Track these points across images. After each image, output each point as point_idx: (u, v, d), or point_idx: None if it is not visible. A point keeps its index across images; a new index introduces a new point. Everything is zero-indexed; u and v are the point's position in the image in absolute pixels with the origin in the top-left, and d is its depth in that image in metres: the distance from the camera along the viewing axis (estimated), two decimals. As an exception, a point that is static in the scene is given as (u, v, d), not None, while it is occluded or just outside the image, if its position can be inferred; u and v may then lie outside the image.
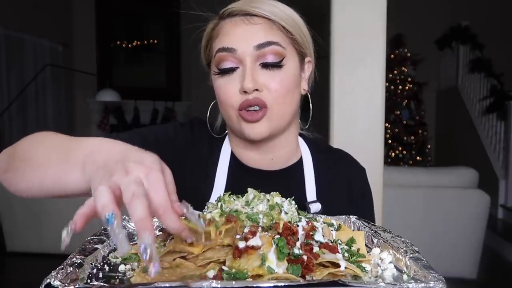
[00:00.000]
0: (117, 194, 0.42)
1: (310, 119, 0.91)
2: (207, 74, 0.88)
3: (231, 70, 0.78)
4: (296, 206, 0.61)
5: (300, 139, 0.94)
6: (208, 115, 0.89)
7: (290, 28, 0.79)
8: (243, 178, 0.84)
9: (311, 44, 0.86)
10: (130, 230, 0.72)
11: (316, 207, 0.83)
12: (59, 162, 0.55)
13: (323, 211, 0.83)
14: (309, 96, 0.89)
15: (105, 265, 0.56)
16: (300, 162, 0.91)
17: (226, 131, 0.91)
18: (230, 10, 0.79)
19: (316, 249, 0.53)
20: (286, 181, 0.88)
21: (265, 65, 0.77)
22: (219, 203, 0.61)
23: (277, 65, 0.77)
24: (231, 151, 0.89)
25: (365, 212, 0.92)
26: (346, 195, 0.92)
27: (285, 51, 0.78)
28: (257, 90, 0.76)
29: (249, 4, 0.78)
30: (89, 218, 0.43)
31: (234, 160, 0.88)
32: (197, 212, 0.49)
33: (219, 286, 0.41)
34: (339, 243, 0.60)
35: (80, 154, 0.53)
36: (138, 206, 0.40)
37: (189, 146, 0.88)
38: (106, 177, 0.44)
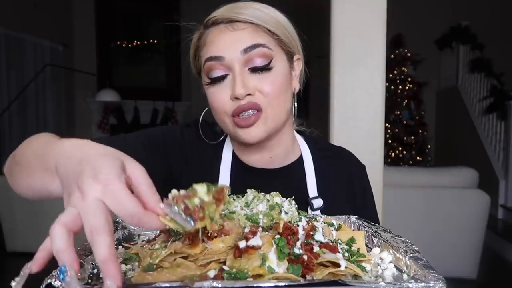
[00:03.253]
0: (77, 226, 0.40)
1: (295, 115, 0.91)
2: (200, 83, 0.88)
3: (221, 78, 0.79)
4: (296, 206, 0.61)
5: (300, 138, 0.95)
6: (200, 119, 0.89)
7: (275, 30, 0.80)
8: (245, 177, 0.86)
9: (298, 42, 0.86)
10: (131, 230, 0.72)
11: (318, 202, 0.84)
12: (40, 170, 0.55)
13: (324, 207, 0.84)
14: (295, 95, 0.89)
15: (106, 265, 0.55)
16: (300, 160, 0.92)
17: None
18: (214, 19, 0.80)
19: (316, 249, 0.53)
20: (287, 179, 0.89)
21: (254, 70, 0.78)
22: None
23: (266, 68, 0.78)
24: (233, 151, 0.91)
25: (367, 208, 0.94)
26: (347, 191, 0.93)
27: (272, 53, 0.79)
28: (249, 94, 0.77)
29: (232, 10, 0.78)
30: (49, 258, 0.40)
31: (235, 160, 0.90)
32: (177, 210, 0.44)
33: (219, 286, 0.41)
34: (340, 243, 0.60)
35: (51, 162, 0.51)
36: (98, 245, 0.37)
37: (195, 147, 0.89)
38: (66, 200, 0.42)
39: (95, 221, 0.38)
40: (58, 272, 0.37)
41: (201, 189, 0.46)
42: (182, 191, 0.46)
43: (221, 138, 0.91)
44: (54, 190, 0.52)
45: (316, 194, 0.86)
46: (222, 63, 0.77)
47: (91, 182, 0.41)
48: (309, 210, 0.85)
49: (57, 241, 0.38)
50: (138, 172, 0.45)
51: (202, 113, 0.89)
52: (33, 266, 0.39)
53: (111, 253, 0.37)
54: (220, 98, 0.79)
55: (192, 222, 0.44)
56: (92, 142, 0.50)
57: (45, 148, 0.56)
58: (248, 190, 0.63)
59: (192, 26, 0.85)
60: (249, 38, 0.77)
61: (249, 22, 0.78)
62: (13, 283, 0.39)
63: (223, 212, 0.56)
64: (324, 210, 0.85)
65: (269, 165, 0.90)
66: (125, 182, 0.42)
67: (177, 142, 0.88)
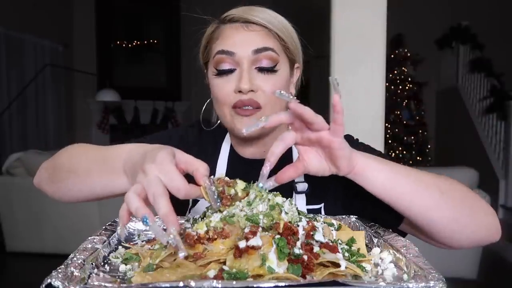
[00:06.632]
0: (144, 194, 0.52)
1: None
2: (204, 73, 0.95)
3: (229, 72, 0.85)
4: (296, 206, 0.62)
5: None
6: (202, 111, 0.97)
7: (284, 37, 0.87)
8: (240, 168, 0.95)
9: (301, 52, 0.93)
10: (130, 230, 0.72)
11: (302, 186, 0.88)
12: (103, 172, 0.68)
13: (310, 191, 0.88)
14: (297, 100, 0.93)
15: (106, 265, 0.56)
16: (289, 150, 0.96)
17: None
18: (231, 16, 0.86)
19: (316, 249, 0.53)
20: (277, 167, 0.92)
21: (261, 69, 0.84)
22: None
23: (271, 70, 0.85)
24: (230, 145, 0.98)
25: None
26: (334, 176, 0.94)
27: (279, 57, 0.85)
28: (252, 91, 0.83)
29: (249, 12, 0.85)
30: (130, 217, 0.53)
31: (232, 153, 0.97)
32: (214, 190, 0.57)
33: (219, 286, 0.41)
34: (340, 243, 0.60)
35: (119, 162, 0.65)
36: (161, 204, 0.49)
37: (197, 145, 0.99)
38: (133, 181, 0.56)
39: (155, 189, 0.51)
40: (142, 220, 0.49)
41: (240, 184, 0.60)
42: (227, 178, 0.60)
43: (217, 123, 0.97)
44: (119, 186, 0.66)
45: (302, 179, 0.90)
46: (232, 57, 0.83)
47: (151, 165, 0.54)
48: (294, 194, 0.88)
49: (133, 202, 0.50)
50: (187, 156, 0.58)
51: (204, 105, 0.96)
52: (120, 223, 0.52)
53: (170, 209, 0.49)
54: (225, 89, 0.85)
55: (219, 204, 0.57)
56: (147, 144, 0.65)
57: (104, 153, 0.71)
58: (251, 190, 0.63)
59: (209, 19, 0.91)
60: (261, 41, 0.84)
61: (263, 26, 0.84)
62: (118, 229, 0.54)
63: (223, 215, 0.57)
64: (310, 194, 0.88)
65: (263, 157, 0.95)
66: (175, 165, 0.55)
67: (182, 142, 0.96)
